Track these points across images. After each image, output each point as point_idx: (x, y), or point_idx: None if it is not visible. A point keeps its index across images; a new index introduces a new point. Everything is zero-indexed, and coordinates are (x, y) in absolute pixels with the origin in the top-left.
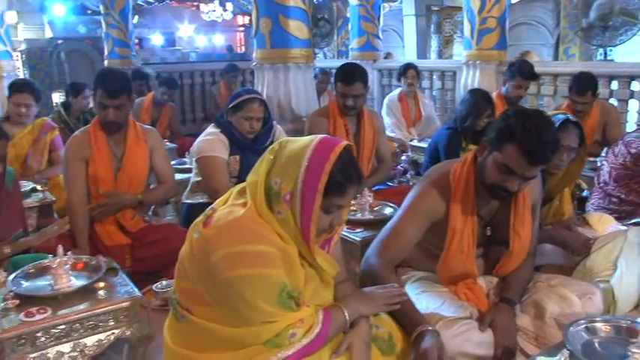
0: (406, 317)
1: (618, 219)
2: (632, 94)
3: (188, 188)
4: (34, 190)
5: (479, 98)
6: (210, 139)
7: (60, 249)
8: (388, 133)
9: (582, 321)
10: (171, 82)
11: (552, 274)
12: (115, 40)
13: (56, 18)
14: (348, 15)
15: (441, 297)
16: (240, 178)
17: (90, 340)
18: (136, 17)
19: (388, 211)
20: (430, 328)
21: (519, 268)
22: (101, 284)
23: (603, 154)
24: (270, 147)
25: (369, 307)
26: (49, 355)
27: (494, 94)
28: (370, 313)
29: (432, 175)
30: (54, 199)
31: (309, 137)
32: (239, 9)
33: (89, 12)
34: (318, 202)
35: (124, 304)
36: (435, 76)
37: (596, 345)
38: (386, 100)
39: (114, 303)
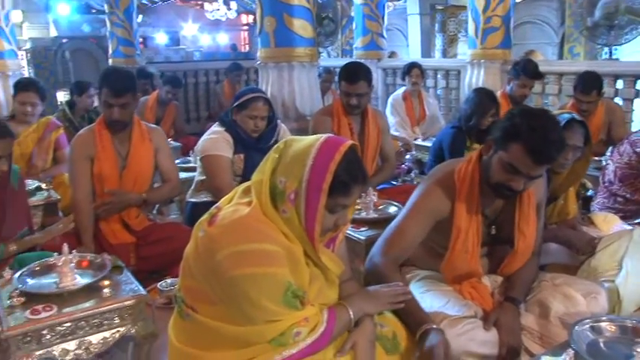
0: (410, 316)
1: (623, 218)
2: (637, 94)
3: (192, 187)
4: (39, 188)
5: (483, 97)
6: (215, 138)
7: (65, 247)
8: (392, 132)
9: (587, 320)
10: (175, 80)
11: (557, 273)
12: (120, 39)
13: (61, 17)
14: (353, 14)
15: (446, 296)
16: (245, 176)
17: (95, 338)
18: (140, 16)
19: (392, 210)
20: (435, 326)
21: (524, 267)
22: (106, 282)
23: (608, 154)
24: (276, 146)
25: (373, 306)
26: (54, 352)
27: (498, 93)
28: (375, 311)
29: (436, 174)
30: (59, 197)
31: (314, 136)
32: (243, 8)
33: (94, 11)
34: (323, 201)
35: (129, 302)
36: (439, 75)
37: (602, 345)
38: (390, 99)
39: (119, 301)
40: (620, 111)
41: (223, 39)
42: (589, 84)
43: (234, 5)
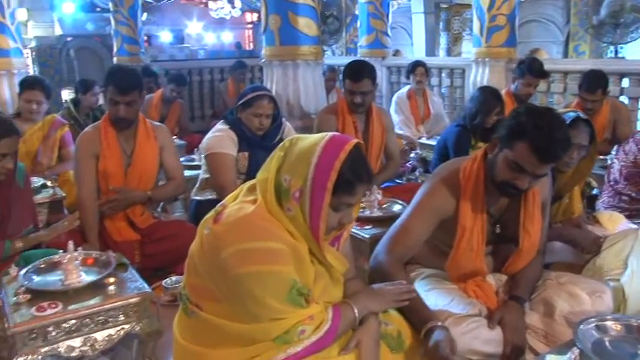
0: (415, 314)
1: (629, 217)
2: None
3: (197, 185)
4: (44, 186)
5: (488, 96)
6: (219, 136)
7: (70, 244)
8: (396, 130)
9: (592, 319)
10: (180, 79)
11: (562, 272)
12: (124, 38)
13: (65, 15)
14: (357, 12)
15: (450, 294)
16: (249, 174)
17: (100, 335)
18: (145, 14)
19: (397, 208)
20: (440, 323)
21: (529, 265)
22: (111, 280)
23: (614, 152)
24: (281, 144)
25: (378, 304)
26: (59, 349)
27: (503, 92)
28: (379, 309)
29: (441, 172)
30: (64, 194)
31: (319, 135)
32: (247, 6)
33: (98, 9)
34: (327, 199)
35: (134, 300)
36: (443, 74)
37: (607, 343)
38: (395, 98)
39: (124, 298)
40: (625, 110)
41: (228, 37)
42: (594, 82)
43: (238, 3)
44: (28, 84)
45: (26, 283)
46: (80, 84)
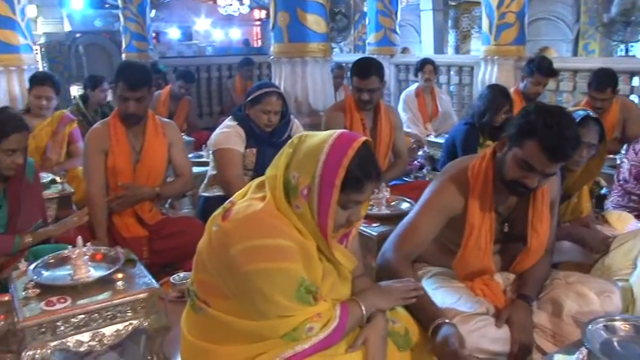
0: (423, 311)
1: (638, 217)
2: None
3: (205, 181)
4: (53, 181)
5: (497, 94)
6: (227, 132)
7: (79, 240)
8: (404, 128)
9: (601, 319)
10: (188, 75)
11: (570, 271)
12: (133, 34)
13: (74, 12)
14: (365, 9)
15: (458, 292)
16: (257, 170)
17: (108, 330)
18: (154, 11)
19: (405, 206)
20: (447, 320)
21: (537, 265)
22: (119, 275)
23: (623, 152)
24: (290, 141)
25: (385, 301)
26: (68, 343)
27: (511, 90)
28: (387, 307)
29: (450, 170)
30: (72, 190)
31: (328, 132)
32: (256, 3)
33: (107, 6)
34: (335, 197)
35: (142, 295)
36: (452, 72)
37: (615, 344)
38: (403, 96)
39: (132, 294)
40: (635, 109)
41: (236, 34)
42: (603, 81)
43: (246, 0)
44: (37, 80)
45: (35, 277)
46: (89, 80)
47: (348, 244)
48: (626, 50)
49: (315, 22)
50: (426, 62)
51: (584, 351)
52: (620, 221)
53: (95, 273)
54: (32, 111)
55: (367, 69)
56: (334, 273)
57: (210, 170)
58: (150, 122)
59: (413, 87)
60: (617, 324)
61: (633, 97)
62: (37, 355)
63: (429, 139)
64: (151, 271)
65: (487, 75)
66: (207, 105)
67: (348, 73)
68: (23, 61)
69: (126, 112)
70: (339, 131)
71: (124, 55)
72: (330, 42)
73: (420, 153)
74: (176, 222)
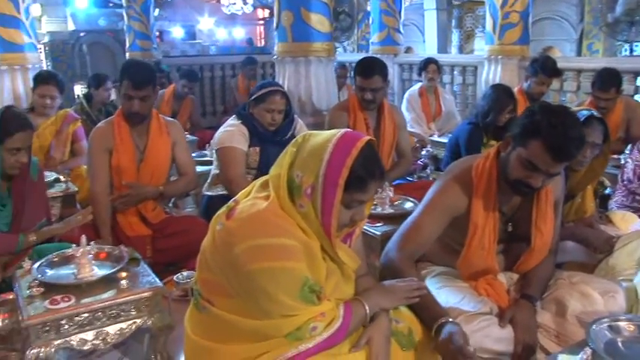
0: (426, 310)
1: None
2: None
3: (208, 180)
4: (57, 180)
5: (501, 93)
6: (231, 131)
7: (83, 238)
8: (408, 128)
9: (605, 319)
10: (191, 74)
11: (574, 271)
12: (137, 33)
13: (78, 11)
14: (369, 9)
15: (461, 292)
16: (260, 169)
17: (112, 329)
18: (157, 10)
19: (408, 205)
20: (451, 319)
21: (540, 264)
22: (123, 274)
23: (627, 152)
24: (294, 140)
25: (389, 301)
26: (72, 342)
27: (515, 90)
28: (391, 306)
29: (454, 170)
30: (76, 189)
31: (331, 131)
32: (259, 2)
33: (111, 5)
34: (339, 196)
35: (146, 294)
36: (456, 71)
37: (620, 344)
38: (406, 95)
39: (136, 293)
40: (639, 108)
41: (239, 33)
42: (607, 81)
43: (250, 0)
44: (42, 79)
45: (40, 276)
46: (92, 79)
47: (352, 244)
48: (631, 50)
49: (319, 21)
50: (429, 62)
51: (588, 351)
52: (624, 221)
53: (99, 272)
54: (36, 110)
55: (370, 68)
56: (338, 272)
57: (213, 169)
58: (154, 121)
59: (416, 87)
60: (622, 324)
61: (638, 97)
62: (41, 354)
63: (433, 138)
64: (154, 270)
65: (491, 75)
66: (211, 104)
67: (352, 73)
68: (27, 60)
69: (130, 110)
70: (342, 130)
71: (127, 54)
72: (334, 41)
73: (423, 153)
74: (179, 221)
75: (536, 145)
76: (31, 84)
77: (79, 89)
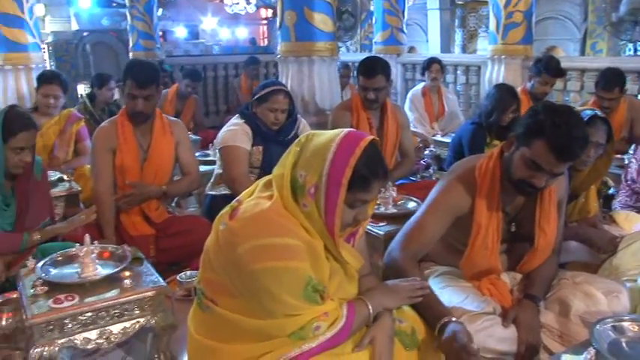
0: (429, 310)
1: None
2: None
3: (212, 180)
4: (60, 179)
5: (504, 93)
6: (234, 130)
7: (87, 238)
8: (411, 128)
9: (609, 319)
10: (195, 74)
11: (577, 271)
12: (140, 33)
13: (82, 10)
14: (372, 8)
15: (464, 292)
16: (263, 168)
17: (116, 328)
18: (160, 10)
19: (412, 205)
20: (454, 319)
21: (544, 264)
22: (127, 273)
23: (631, 151)
24: (297, 139)
25: (392, 300)
26: (76, 341)
27: (518, 90)
28: (394, 306)
29: (457, 170)
30: (80, 188)
31: (335, 131)
32: (262, 2)
33: (114, 4)
34: (342, 196)
35: (149, 294)
36: (459, 71)
37: (623, 344)
38: (409, 95)
39: (139, 292)
40: None
41: (242, 33)
42: (611, 80)
43: None
44: (45, 78)
45: (43, 275)
46: (96, 79)
47: (355, 243)
48: (635, 50)
49: (322, 21)
50: (432, 61)
51: (591, 351)
52: (628, 221)
53: (102, 271)
54: (40, 109)
55: (373, 68)
56: (341, 272)
57: (216, 169)
58: (157, 121)
59: (419, 86)
60: (625, 324)
61: None
62: (44, 353)
63: (436, 138)
64: (157, 269)
65: (494, 74)
66: (214, 104)
67: (355, 72)
68: (31, 59)
69: (134, 110)
70: (346, 130)
71: (131, 54)
72: (337, 41)
73: (426, 152)
74: (183, 220)
75: (539, 144)
76: (34, 84)
77: (83, 89)
